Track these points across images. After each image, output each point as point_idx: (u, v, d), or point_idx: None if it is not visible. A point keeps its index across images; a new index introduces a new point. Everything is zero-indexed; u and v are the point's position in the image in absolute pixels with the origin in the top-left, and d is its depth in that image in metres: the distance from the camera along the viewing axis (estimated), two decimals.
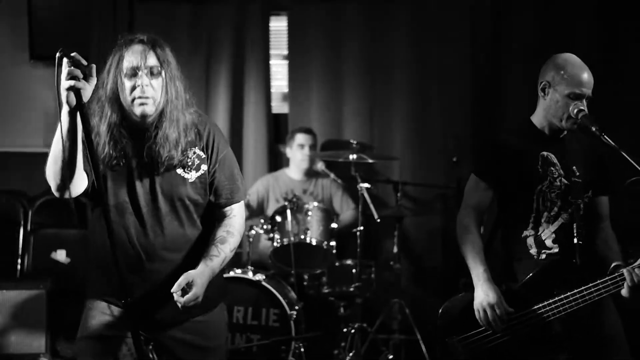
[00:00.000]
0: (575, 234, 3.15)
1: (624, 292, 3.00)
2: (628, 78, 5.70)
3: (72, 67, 2.54)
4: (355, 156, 5.21)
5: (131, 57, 2.77)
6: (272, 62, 6.20)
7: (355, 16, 6.05)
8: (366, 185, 5.23)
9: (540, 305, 3.10)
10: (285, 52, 6.20)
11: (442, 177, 5.92)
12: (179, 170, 2.89)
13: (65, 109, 2.58)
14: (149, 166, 2.86)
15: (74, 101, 2.56)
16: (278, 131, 6.30)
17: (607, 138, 3.09)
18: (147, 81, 2.77)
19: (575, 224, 3.16)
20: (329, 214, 5.25)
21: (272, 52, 6.19)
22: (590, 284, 3.03)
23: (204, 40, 6.09)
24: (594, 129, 3.10)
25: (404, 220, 5.62)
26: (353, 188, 5.37)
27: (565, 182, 3.19)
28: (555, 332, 3.09)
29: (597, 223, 3.26)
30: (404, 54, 6.01)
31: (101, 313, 2.91)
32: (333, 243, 5.17)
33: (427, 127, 6.00)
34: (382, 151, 5.92)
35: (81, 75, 2.55)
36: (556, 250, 3.17)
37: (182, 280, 2.75)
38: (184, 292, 2.75)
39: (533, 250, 3.19)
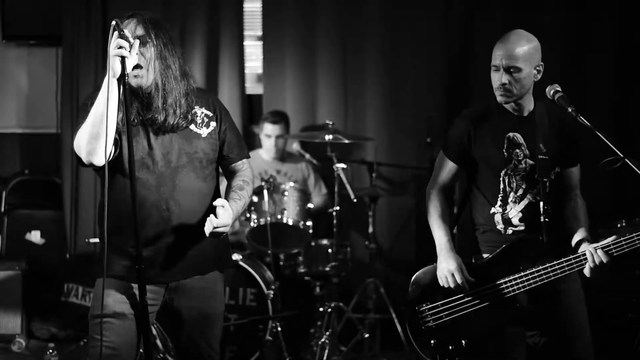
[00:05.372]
0: (541, 212, 3.23)
1: (586, 271, 3.11)
2: (597, 70, 5.75)
3: (121, 39, 2.76)
4: (331, 137, 5.22)
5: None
6: (246, 43, 6.19)
7: None
8: (342, 165, 5.24)
9: (507, 279, 3.21)
10: (260, 33, 6.18)
11: (416, 158, 5.96)
12: (192, 127, 3.04)
13: (109, 75, 2.78)
14: (159, 126, 2.97)
15: (119, 69, 2.77)
16: (252, 112, 6.31)
17: (583, 119, 3.14)
18: (138, 49, 2.86)
19: (542, 203, 3.24)
20: (305, 194, 5.27)
21: (246, 33, 6.18)
22: (555, 262, 3.15)
23: (177, 21, 6.05)
24: (570, 109, 3.16)
25: (379, 200, 5.66)
26: (329, 168, 5.38)
27: (531, 162, 3.25)
28: (521, 306, 3.22)
29: (566, 194, 3.34)
30: (378, 36, 6.01)
31: (114, 290, 2.97)
32: (309, 223, 5.19)
33: (401, 108, 6.03)
34: (357, 132, 5.95)
35: (128, 47, 2.78)
36: (522, 228, 3.26)
37: (220, 201, 2.88)
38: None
39: (500, 227, 3.29)
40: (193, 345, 3.12)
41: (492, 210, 3.30)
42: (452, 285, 3.24)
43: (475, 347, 3.29)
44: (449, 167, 3.38)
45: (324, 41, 6.05)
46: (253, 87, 6.36)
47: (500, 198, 3.28)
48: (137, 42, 2.83)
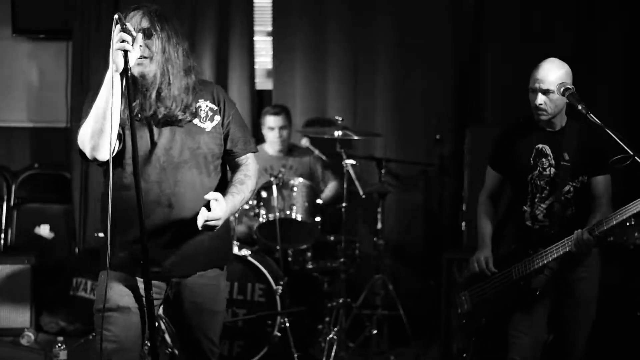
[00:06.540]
0: (555, 210, 3.65)
1: (571, 246, 3.48)
2: (604, 61, 5.74)
3: (123, 32, 2.73)
4: (340, 133, 5.22)
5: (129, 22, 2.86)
6: (256, 38, 6.19)
7: None
8: (351, 161, 5.24)
9: (518, 263, 3.68)
10: (270, 28, 6.19)
11: (425, 155, 5.97)
12: (196, 121, 3.01)
13: (112, 69, 2.76)
14: (164, 120, 2.95)
15: (121, 63, 2.75)
16: (262, 107, 6.29)
17: (592, 116, 3.34)
18: (141, 42, 2.85)
19: (560, 203, 3.63)
20: (314, 190, 5.26)
21: (256, 28, 6.18)
22: (553, 245, 3.56)
23: (187, 16, 6.06)
24: (580, 107, 3.37)
25: (388, 196, 5.65)
26: (337, 164, 5.37)
27: (555, 170, 3.64)
28: (534, 284, 3.64)
29: (591, 201, 3.68)
30: (388, 32, 6.00)
31: (117, 283, 2.98)
32: (318, 219, 5.19)
33: (410, 105, 6.02)
34: (366, 128, 5.94)
35: (131, 41, 2.76)
36: (546, 223, 3.68)
37: (213, 195, 2.86)
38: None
39: (529, 222, 3.73)
40: (195, 340, 3.13)
41: (524, 208, 3.74)
42: (478, 269, 3.80)
43: (493, 326, 3.84)
44: (492, 175, 3.93)
45: (334, 37, 6.05)
46: (263, 83, 6.37)
47: (529, 198, 3.72)
48: (140, 35, 2.81)
